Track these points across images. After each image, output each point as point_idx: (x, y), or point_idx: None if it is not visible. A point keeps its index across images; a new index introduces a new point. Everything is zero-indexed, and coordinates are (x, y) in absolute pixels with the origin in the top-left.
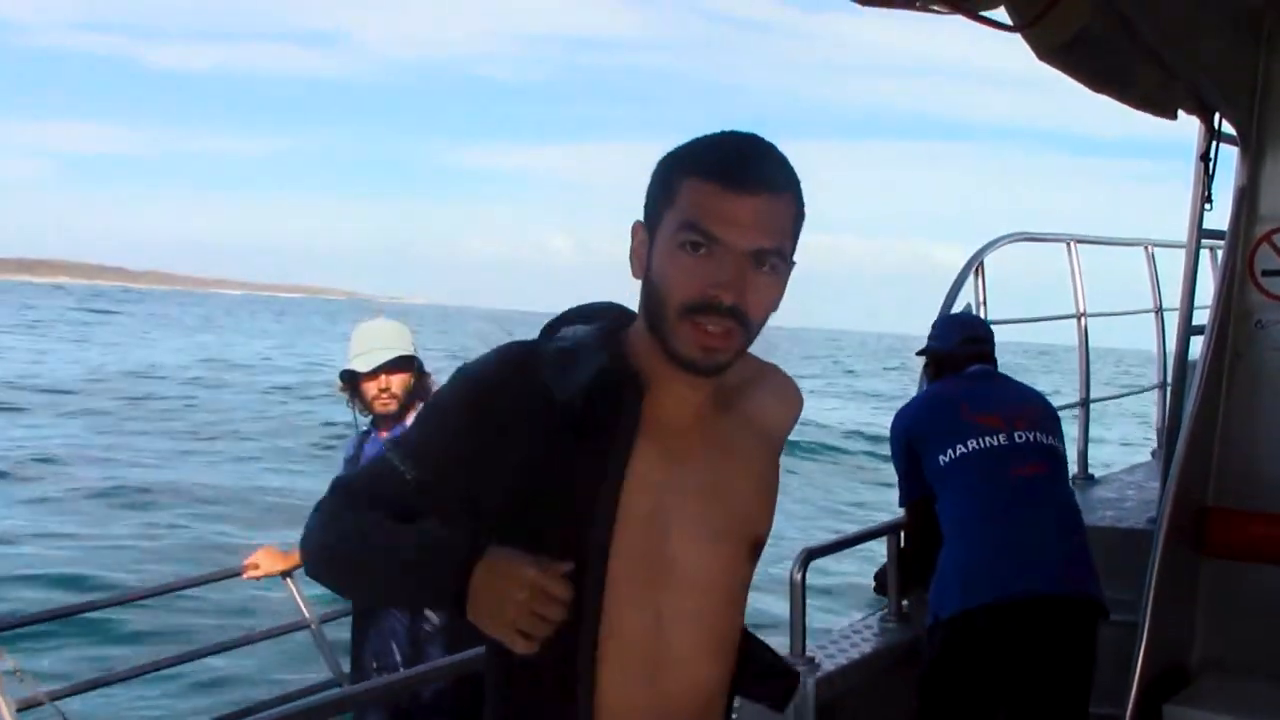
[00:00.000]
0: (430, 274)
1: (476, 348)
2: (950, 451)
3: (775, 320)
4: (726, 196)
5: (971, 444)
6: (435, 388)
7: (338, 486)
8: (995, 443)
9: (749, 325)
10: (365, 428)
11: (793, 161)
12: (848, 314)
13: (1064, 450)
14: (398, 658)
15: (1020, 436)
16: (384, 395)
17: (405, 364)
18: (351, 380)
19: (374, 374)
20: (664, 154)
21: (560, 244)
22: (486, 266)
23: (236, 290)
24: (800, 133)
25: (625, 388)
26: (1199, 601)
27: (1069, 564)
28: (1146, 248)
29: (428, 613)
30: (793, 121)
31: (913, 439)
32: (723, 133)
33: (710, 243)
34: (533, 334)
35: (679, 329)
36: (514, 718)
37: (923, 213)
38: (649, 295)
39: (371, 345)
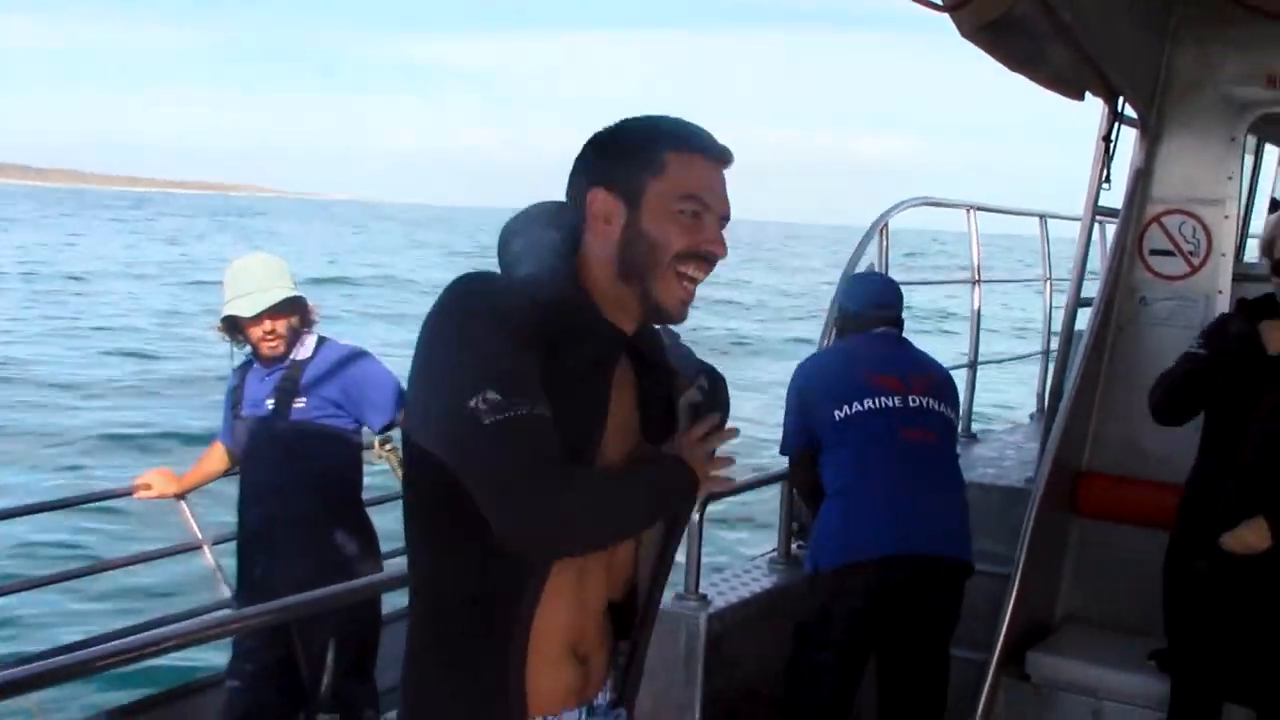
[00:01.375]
0: (348, 168)
1: (399, 246)
2: (845, 408)
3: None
4: (713, 170)
5: (867, 403)
6: (317, 316)
7: (534, 467)
8: (890, 404)
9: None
10: (243, 360)
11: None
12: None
13: (956, 420)
14: (286, 580)
15: (915, 401)
16: (269, 338)
17: (290, 306)
18: (232, 323)
19: (258, 318)
20: (623, 132)
21: (483, 138)
22: (404, 161)
23: (144, 188)
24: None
25: (611, 340)
26: (1068, 558)
27: (946, 527)
28: (1042, 219)
29: (340, 539)
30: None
31: (808, 392)
32: (669, 117)
33: (705, 210)
34: (456, 230)
35: (667, 280)
36: (444, 647)
37: (832, 104)
38: (636, 251)
39: (250, 287)
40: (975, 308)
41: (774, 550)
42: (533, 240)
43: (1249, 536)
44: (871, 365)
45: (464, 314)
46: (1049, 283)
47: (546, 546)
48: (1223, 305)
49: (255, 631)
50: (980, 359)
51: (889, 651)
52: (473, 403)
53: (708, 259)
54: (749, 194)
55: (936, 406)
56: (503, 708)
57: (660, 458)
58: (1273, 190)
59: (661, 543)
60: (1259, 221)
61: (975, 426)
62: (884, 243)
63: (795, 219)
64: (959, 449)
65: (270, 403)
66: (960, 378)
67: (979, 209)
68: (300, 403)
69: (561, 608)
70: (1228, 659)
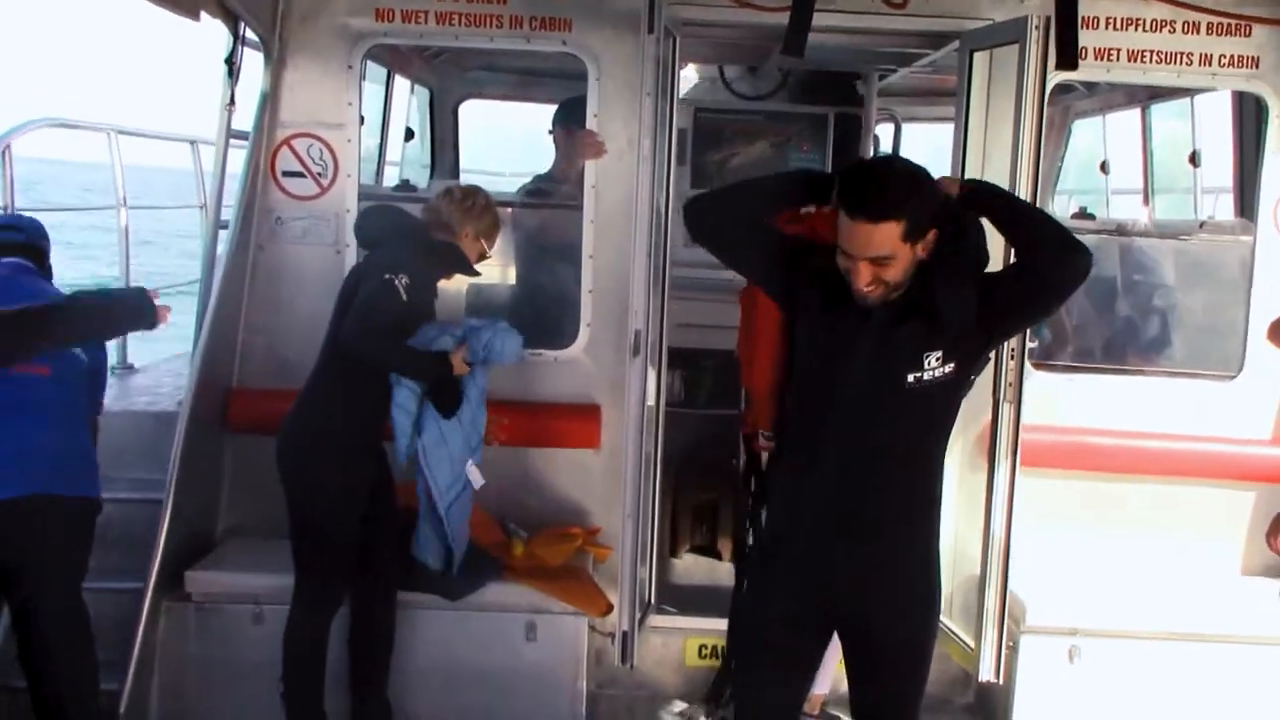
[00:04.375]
0: None
1: None
2: None
3: None
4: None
5: None
6: None
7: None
8: None
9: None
10: None
11: None
12: None
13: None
14: None
15: None
16: None
17: None
18: None
19: None
20: None
21: None
22: None
23: None
24: None
25: None
26: (225, 475)
27: (64, 464)
28: (193, 144)
29: None
30: None
31: None
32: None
33: None
34: None
35: None
36: None
37: None
38: None
39: None
40: (124, 232)
41: None
42: None
43: None
44: None
45: None
46: (205, 209)
47: None
48: (350, 222)
49: None
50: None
51: (18, 597)
52: None
53: None
54: None
55: None
56: None
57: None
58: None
59: None
60: (395, 148)
61: (134, 359)
62: (6, 168)
63: None
64: (117, 380)
65: None
66: None
67: (122, 132)
68: None
69: None
70: None
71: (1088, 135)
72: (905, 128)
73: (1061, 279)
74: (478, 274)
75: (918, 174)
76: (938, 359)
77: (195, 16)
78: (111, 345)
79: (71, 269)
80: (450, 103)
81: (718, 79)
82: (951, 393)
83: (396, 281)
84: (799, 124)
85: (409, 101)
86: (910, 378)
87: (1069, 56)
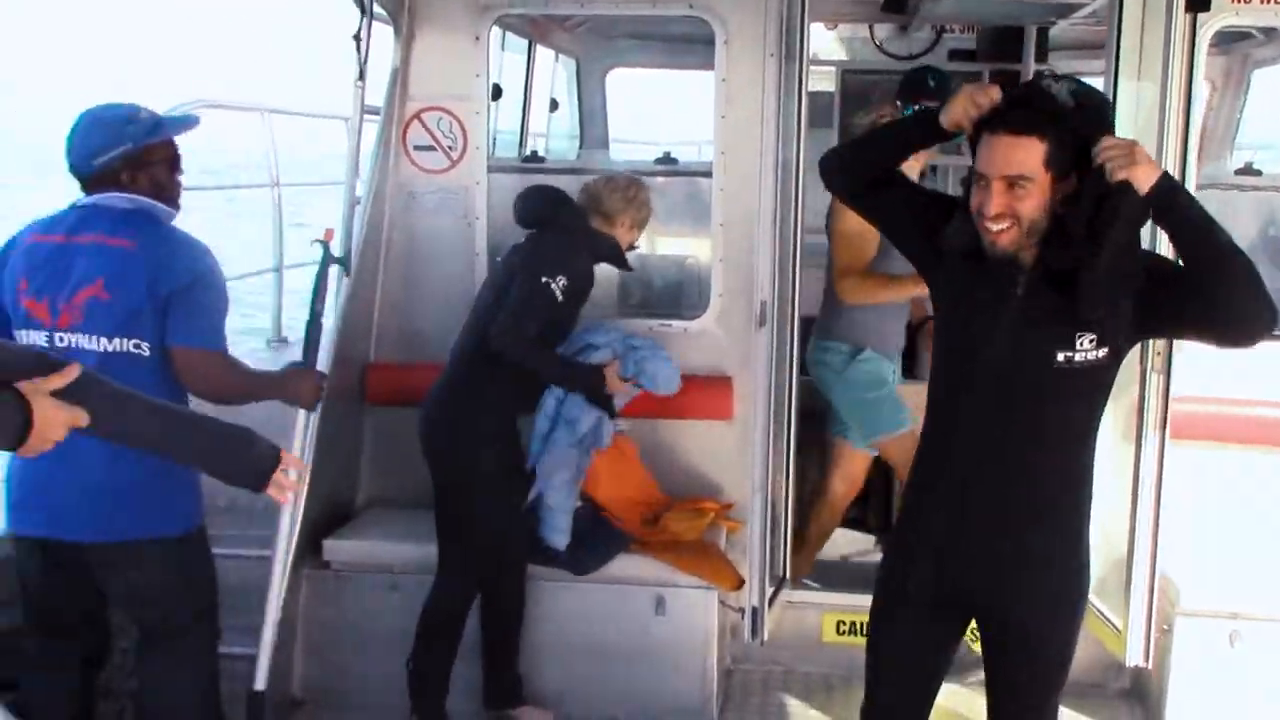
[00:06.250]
0: None
1: None
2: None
3: None
4: None
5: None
6: None
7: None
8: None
9: None
10: None
11: None
12: None
13: (135, 347)
14: None
15: (62, 340)
16: None
17: None
18: None
19: None
20: None
21: None
22: None
23: None
24: None
25: None
26: (364, 448)
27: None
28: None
29: None
30: None
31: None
32: None
33: None
34: None
35: None
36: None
37: None
38: None
39: None
40: (278, 211)
41: None
42: None
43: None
44: (28, 277)
45: None
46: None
47: None
48: (480, 195)
49: None
50: (288, 263)
51: None
52: None
53: None
54: None
55: (88, 344)
56: None
57: None
58: (551, 90)
59: None
60: (539, 118)
61: (288, 332)
62: None
63: None
64: (273, 354)
65: None
66: (269, 282)
67: (274, 111)
68: None
69: None
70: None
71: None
72: None
73: (1229, 334)
74: (631, 268)
75: (1089, 94)
76: (1091, 341)
77: None
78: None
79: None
80: (597, 72)
81: (869, 39)
82: (1103, 374)
83: (554, 285)
84: (954, 84)
85: (553, 72)
86: (1061, 356)
87: None
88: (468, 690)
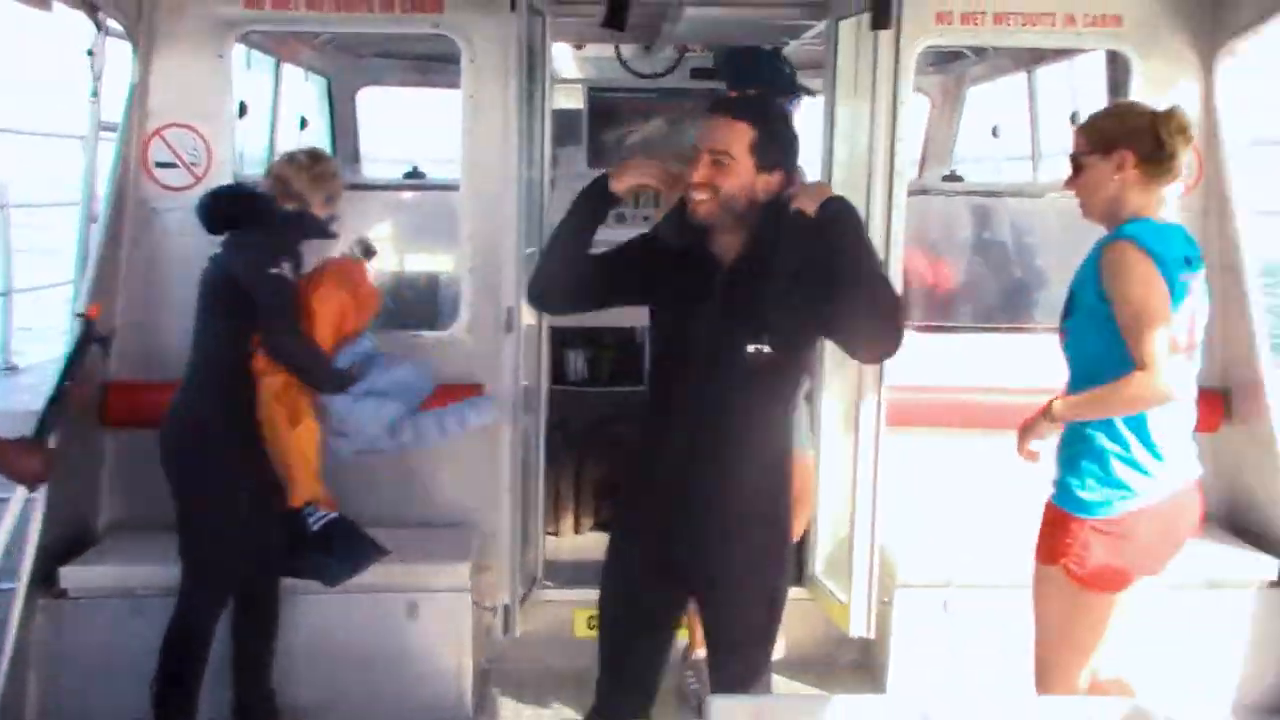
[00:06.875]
0: None
1: None
2: None
3: None
4: None
5: None
6: None
7: None
8: None
9: None
10: None
11: None
12: None
13: None
14: None
15: None
16: None
17: None
18: None
19: None
20: None
21: None
22: None
23: None
24: None
25: None
26: (105, 469)
27: None
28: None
29: None
30: None
31: None
32: None
33: None
34: None
35: None
36: None
37: None
38: None
39: None
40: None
41: None
42: None
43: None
44: None
45: None
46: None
47: None
48: None
49: None
50: (17, 288)
51: None
52: None
53: None
54: None
55: None
56: None
57: None
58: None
59: None
60: (288, 136)
61: (17, 359)
62: None
63: None
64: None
65: None
66: None
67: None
68: None
69: None
70: None
71: (983, 103)
72: (805, 101)
73: (860, 353)
74: (335, 235)
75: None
76: (772, 336)
77: (47, 6)
78: None
79: None
80: (347, 91)
81: (615, 59)
82: (787, 365)
83: (282, 271)
84: (695, 100)
85: (304, 90)
86: (750, 348)
87: (883, 16)
88: (217, 710)
